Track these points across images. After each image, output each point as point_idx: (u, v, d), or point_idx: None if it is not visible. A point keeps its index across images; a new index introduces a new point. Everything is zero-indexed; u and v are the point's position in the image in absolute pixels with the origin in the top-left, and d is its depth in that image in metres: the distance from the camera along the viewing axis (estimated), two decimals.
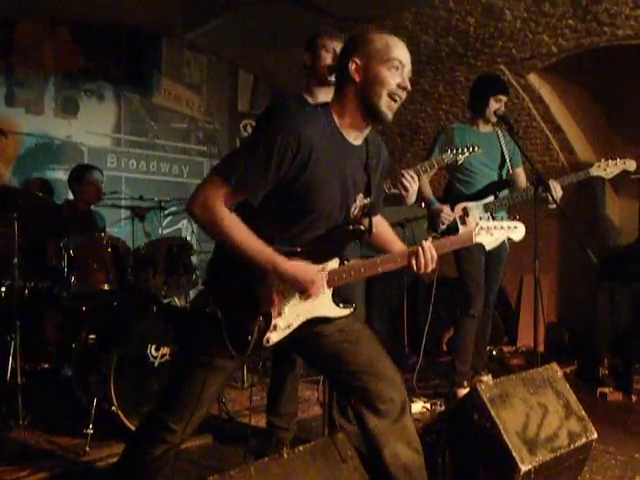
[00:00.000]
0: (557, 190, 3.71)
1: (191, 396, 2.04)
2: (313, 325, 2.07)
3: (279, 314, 1.99)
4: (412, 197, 2.85)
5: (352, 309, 2.11)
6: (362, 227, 2.11)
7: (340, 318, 2.09)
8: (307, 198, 1.93)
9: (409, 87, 1.94)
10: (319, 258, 2.02)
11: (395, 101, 1.94)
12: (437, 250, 2.05)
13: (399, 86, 1.92)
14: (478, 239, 2.16)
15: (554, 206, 3.52)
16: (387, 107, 1.93)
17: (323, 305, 2.05)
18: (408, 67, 1.94)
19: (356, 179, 2.04)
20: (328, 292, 2.05)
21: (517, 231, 2.27)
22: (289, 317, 2.01)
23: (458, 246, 2.18)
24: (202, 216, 1.91)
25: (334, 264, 2.05)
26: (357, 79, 1.92)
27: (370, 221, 2.14)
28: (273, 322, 1.98)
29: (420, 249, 2.02)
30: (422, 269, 2.04)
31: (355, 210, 2.08)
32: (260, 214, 1.94)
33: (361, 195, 2.07)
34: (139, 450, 2.14)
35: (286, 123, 1.88)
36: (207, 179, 1.94)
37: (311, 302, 2.03)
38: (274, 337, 2.00)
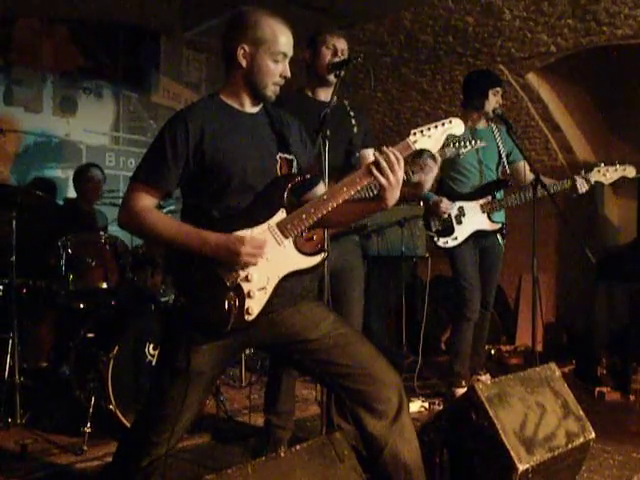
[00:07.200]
0: (584, 187, 3.86)
1: (171, 408, 2.00)
2: (292, 296, 2.07)
3: (247, 280, 1.97)
4: (430, 181, 2.39)
5: (324, 254, 2.06)
6: (293, 173, 2.13)
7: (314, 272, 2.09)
8: (218, 168, 2.01)
9: (289, 75, 2.09)
10: (259, 218, 2.00)
11: (278, 85, 2.10)
12: (400, 152, 1.97)
13: (281, 75, 2.08)
14: (418, 145, 2.02)
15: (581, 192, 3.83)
16: (272, 92, 2.09)
17: (289, 259, 2.02)
18: (290, 54, 2.09)
19: (265, 141, 2.12)
20: (289, 245, 2.02)
21: (454, 125, 2.09)
22: (260, 281, 1.98)
23: (407, 152, 2.00)
24: (129, 223, 2.02)
25: (280, 216, 2.02)
26: (244, 65, 2.06)
27: (300, 171, 2.17)
28: (245, 290, 1.96)
29: (380, 154, 1.95)
30: (390, 177, 1.93)
31: (281, 169, 2.12)
32: (194, 208, 2.05)
33: (280, 154, 2.13)
34: (125, 461, 2.11)
35: (174, 117, 2.05)
36: (127, 190, 2.04)
37: (276, 260, 2.00)
38: (254, 305, 1.97)
